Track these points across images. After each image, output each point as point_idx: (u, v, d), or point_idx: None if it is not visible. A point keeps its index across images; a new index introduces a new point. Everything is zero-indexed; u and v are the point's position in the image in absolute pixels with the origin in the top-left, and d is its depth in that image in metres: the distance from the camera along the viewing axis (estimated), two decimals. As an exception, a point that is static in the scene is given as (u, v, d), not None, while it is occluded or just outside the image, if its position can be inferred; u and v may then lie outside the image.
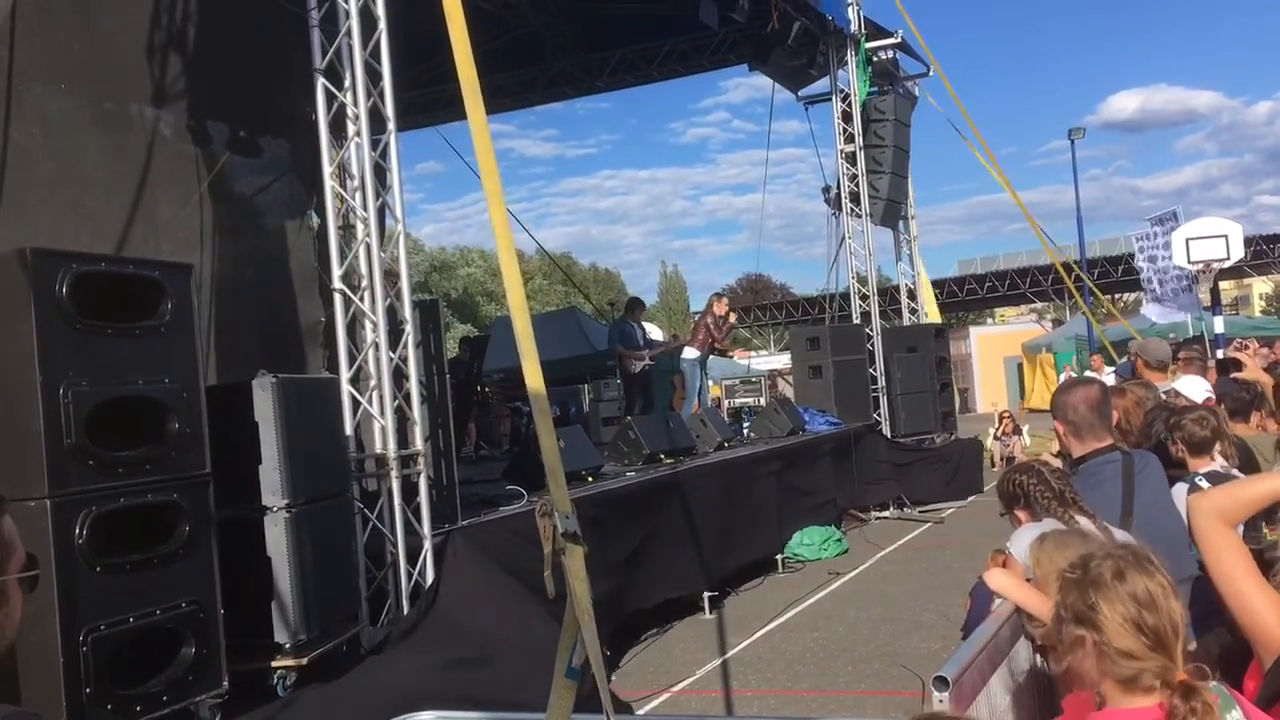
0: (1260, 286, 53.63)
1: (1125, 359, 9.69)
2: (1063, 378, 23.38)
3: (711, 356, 14.09)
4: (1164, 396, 5.43)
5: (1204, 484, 4.19)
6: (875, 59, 15.74)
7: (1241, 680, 2.53)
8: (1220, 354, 11.35)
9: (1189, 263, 14.62)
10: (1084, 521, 3.24)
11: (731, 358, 13.54)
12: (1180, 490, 4.19)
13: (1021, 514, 3.44)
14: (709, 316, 13.41)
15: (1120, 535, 3.26)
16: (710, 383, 17.32)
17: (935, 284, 39.47)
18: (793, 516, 11.17)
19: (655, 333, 27.86)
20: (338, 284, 6.28)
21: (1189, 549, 3.79)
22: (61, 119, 6.02)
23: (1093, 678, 2.17)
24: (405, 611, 6.04)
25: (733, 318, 13.51)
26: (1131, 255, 39.55)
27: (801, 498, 11.50)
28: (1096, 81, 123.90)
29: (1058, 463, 3.87)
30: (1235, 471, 4.55)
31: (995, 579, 3.33)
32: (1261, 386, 6.07)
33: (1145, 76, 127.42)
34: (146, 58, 6.61)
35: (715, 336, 13.23)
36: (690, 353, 13.33)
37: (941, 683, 2.30)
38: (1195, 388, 6.05)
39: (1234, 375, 6.59)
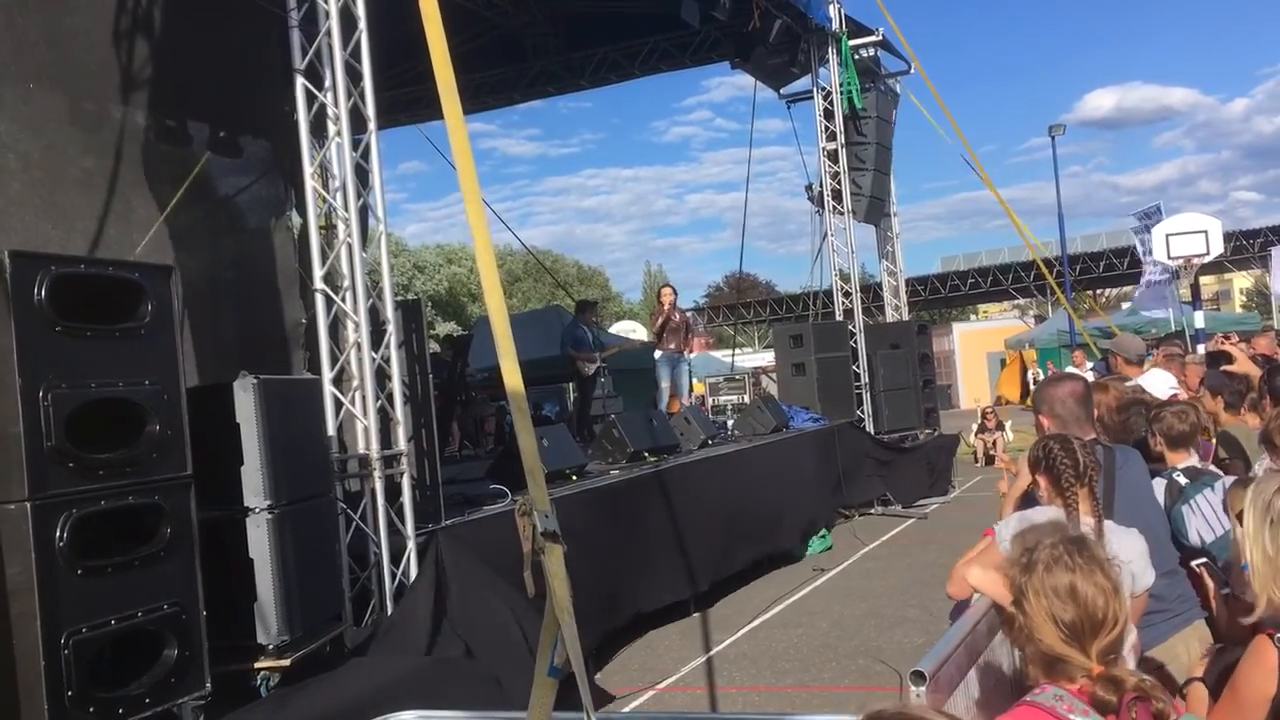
0: (1241, 281, 53.96)
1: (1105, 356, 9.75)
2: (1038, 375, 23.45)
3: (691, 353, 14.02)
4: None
5: (1182, 480, 4.21)
6: (857, 57, 15.77)
7: None
8: (1202, 348, 11.44)
9: (1169, 258, 14.75)
10: (1084, 508, 3.26)
11: (683, 353, 13.28)
12: (1159, 484, 4.21)
13: (1042, 479, 3.45)
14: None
15: (1113, 531, 3.27)
16: (694, 380, 17.24)
17: (918, 280, 39.64)
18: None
19: (639, 332, 27.80)
20: (319, 284, 6.27)
21: (1169, 543, 3.83)
22: (35, 119, 5.97)
23: (1023, 652, 2.27)
24: (389, 611, 6.03)
25: (666, 307, 13.19)
26: (1113, 251, 39.91)
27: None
28: (1073, 80, 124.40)
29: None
30: (1211, 466, 4.58)
31: (975, 575, 3.35)
32: (1253, 379, 6.11)
33: (1120, 74, 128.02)
34: (120, 57, 6.56)
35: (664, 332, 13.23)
36: (657, 353, 13.43)
37: (918, 677, 2.31)
38: (1160, 383, 6.08)
39: (1224, 368, 6.63)
